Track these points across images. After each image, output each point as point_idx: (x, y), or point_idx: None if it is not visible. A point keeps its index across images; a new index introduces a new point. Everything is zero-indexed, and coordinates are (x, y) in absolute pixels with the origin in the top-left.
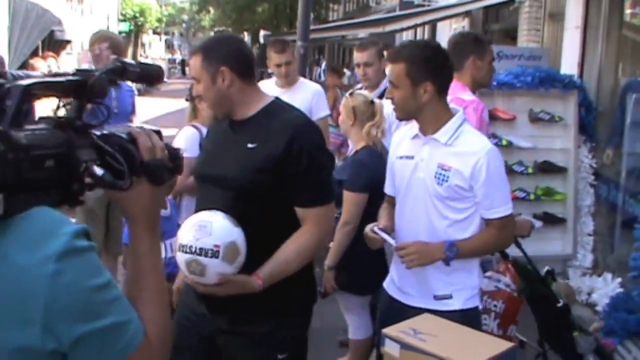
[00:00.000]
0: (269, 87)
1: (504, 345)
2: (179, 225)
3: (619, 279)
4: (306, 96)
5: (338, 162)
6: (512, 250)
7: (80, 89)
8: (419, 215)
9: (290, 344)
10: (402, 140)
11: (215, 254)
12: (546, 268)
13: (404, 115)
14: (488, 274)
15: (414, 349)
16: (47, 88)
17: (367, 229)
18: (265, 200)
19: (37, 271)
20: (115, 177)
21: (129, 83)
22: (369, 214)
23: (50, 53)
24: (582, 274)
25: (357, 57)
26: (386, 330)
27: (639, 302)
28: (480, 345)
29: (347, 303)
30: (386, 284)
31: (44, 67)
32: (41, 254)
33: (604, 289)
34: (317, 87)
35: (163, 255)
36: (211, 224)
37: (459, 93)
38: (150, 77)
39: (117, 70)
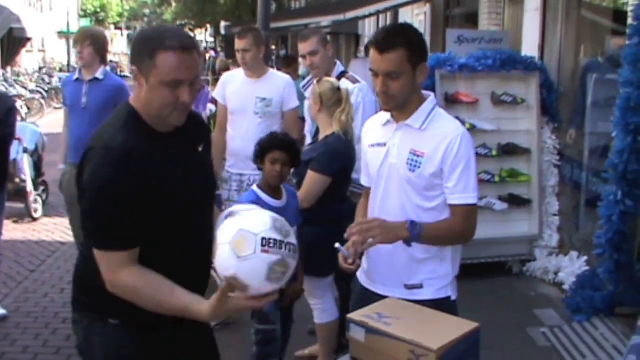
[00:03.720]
0: (238, 77)
1: (468, 326)
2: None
3: (585, 258)
4: (278, 87)
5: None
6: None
7: None
8: (392, 201)
9: None
10: (372, 128)
11: (295, 253)
12: None
13: (401, 104)
14: None
15: (379, 332)
16: None
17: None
18: None
19: None
20: None
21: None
22: (336, 198)
23: None
24: (548, 253)
25: (301, 48)
26: (351, 316)
27: (605, 279)
28: (444, 327)
29: (309, 287)
30: (359, 274)
31: None
32: None
33: (571, 267)
34: (287, 78)
35: None
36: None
37: None
38: None
39: None
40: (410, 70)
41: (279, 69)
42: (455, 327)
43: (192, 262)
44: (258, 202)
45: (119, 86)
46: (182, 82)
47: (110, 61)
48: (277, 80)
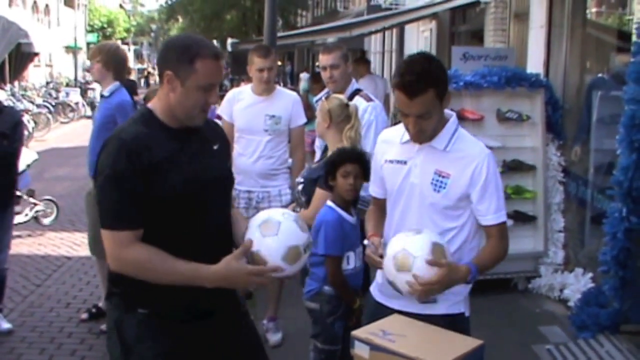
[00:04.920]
0: (245, 94)
1: (472, 343)
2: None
3: (590, 274)
4: (286, 104)
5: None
6: None
7: None
8: (411, 219)
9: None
10: (389, 142)
11: None
12: None
13: (431, 135)
14: None
15: (383, 349)
16: None
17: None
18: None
19: None
20: None
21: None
22: None
23: None
24: (553, 270)
25: (323, 59)
26: (355, 332)
27: (610, 297)
28: (448, 344)
29: None
30: (372, 289)
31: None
32: None
33: (576, 284)
34: (294, 95)
35: (352, 265)
36: None
37: None
38: None
39: None
40: (439, 104)
41: (284, 85)
42: (460, 344)
43: (196, 248)
44: (341, 220)
45: (116, 104)
46: (214, 86)
47: None
48: (285, 97)
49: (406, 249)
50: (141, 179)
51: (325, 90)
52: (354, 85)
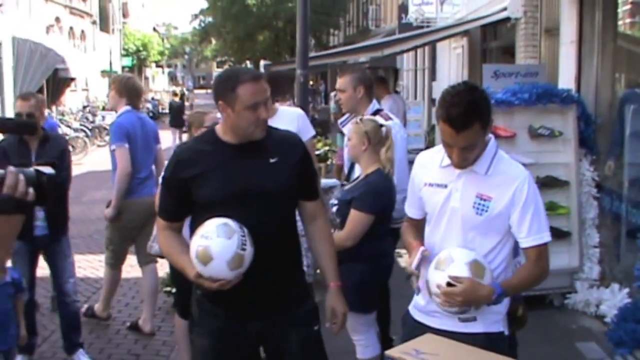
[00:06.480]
0: None
1: None
2: None
3: (627, 290)
4: (291, 121)
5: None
6: None
7: None
8: (452, 241)
9: (318, 315)
10: (428, 165)
11: None
12: None
13: (473, 160)
14: None
15: None
16: None
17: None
18: (290, 203)
19: None
20: None
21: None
22: (378, 235)
23: None
24: (589, 286)
25: (337, 82)
26: (389, 352)
27: None
28: None
29: (353, 323)
30: (411, 308)
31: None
32: None
33: (612, 300)
34: (298, 110)
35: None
36: None
37: None
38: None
39: None
40: (483, 134)
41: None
42: None
43: None
44: None
45: (112, 126)
46: (259, 103)
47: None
48: (289, 115)
49: (451, 253)
50: (181, 185)
51: (348, 115)
52: (374, 105)
